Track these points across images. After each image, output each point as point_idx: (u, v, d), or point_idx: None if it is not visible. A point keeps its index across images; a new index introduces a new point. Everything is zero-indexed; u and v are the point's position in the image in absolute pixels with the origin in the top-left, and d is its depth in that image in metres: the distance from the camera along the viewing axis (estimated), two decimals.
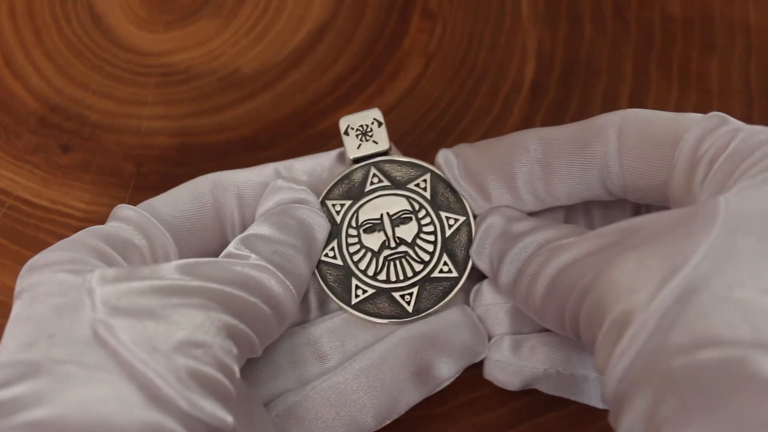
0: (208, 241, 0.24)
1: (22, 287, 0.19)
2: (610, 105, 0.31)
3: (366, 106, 0.31)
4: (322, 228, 0.24)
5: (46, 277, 0.19)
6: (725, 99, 0.31)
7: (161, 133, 0.31)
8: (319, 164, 0.25)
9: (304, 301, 0.25)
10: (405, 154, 0.26)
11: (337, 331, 0.24)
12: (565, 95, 0.31)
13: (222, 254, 0.22)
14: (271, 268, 0.21)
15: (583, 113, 0.31)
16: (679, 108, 0.31)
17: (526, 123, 0.31)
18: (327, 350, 0.24)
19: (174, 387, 0.16)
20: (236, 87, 0.32)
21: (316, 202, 0.24)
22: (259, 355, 0.21)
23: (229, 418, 0.17)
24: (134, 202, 0.23)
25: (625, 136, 0.22)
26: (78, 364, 0.16)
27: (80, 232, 0.21)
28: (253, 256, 0.21)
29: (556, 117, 0.31)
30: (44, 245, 0.21)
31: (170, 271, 0.19)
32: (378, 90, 0.32)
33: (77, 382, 0.16)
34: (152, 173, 0.30)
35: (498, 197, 0.24)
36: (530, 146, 0.23)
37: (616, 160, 0.22)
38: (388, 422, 0.23)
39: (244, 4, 0.33)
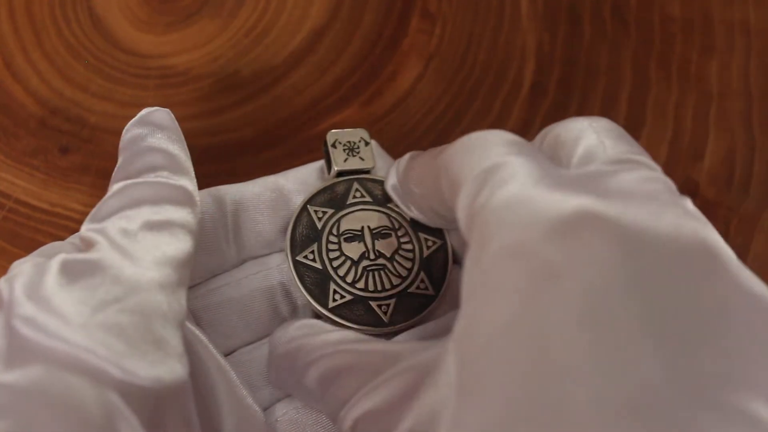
0: (200, 250, 0.24)
1: None
2: (610, 106, 0.31)
3: (365, 107, 0.31)
4: (158, 115, 0.23)
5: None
6: (725, 100, 0.31)
7: None
8: (310, 174, 0.26)
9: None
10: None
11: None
12: (564, 96, 0.31)
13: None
14: (140, 180, 0.20)
15: (582, 114, 0.31)
16: (679, 109, 0.31)
17: (526, 124, 0.31)
18: None
19: (100, 355, 0.16)
20: (236, 89, 0.32)
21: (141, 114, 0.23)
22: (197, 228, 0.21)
23: (172, 373, 0.17)
24: None
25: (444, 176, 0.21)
26: (11, 372, 0.16)
27: (69, 237, 0.21)
28: (115, 186, 0.21)
29: (556, 118, 0.31)
30: None
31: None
32: (377, 91, 0.32)
33: (16, 394, 0.15)
34: None
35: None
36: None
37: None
38: None
39: (243, 5, 0.33)
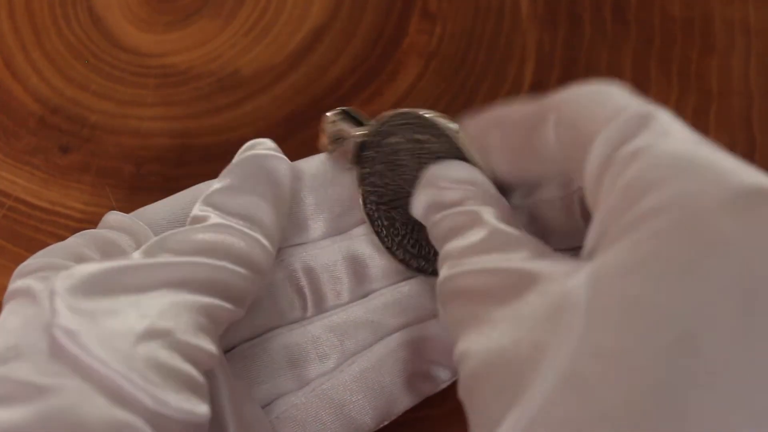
0: None
1: (6, 295, 0.19)
2: None
3: (365, 106, 0.31)
4: (284, 169, 0.23)
5: (23, 285, 0.18)
6: (725, 99, 0.31)
7: (161, 134, 0.31)
8: (321, 161, 0.25)
9: (301, 297, 0.25)
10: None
11: (335, 330, 0.24)
12: None
13: (189, 218, 0.21)
14: (233, 224, 0.20)
15: None
16: (679, 109, 0.31)
17: None
18: (326, 349, 0.24)
19: (136, 384, 0.16)
20: (236, 88, 0.32)
21: (275, 147, 0.24)
22: (243, 316, 0.21)
23: (199, 409, 0.17)
24: (130, 203, 0.23)
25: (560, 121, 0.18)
26: (40, 374, 0.16)
27: (71, 237, 0.21)
28: (213, 215, 0.21)
29: None
30: (44, 246, 0.21)
31: (135, 256, 0.19)
32: (377, 91, 0.32)
33: (39, 396, 0.16)
34: (152, 174, 0.30)
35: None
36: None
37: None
38: (386, 422, 0.23)
39: (243, 5, 0.33)
